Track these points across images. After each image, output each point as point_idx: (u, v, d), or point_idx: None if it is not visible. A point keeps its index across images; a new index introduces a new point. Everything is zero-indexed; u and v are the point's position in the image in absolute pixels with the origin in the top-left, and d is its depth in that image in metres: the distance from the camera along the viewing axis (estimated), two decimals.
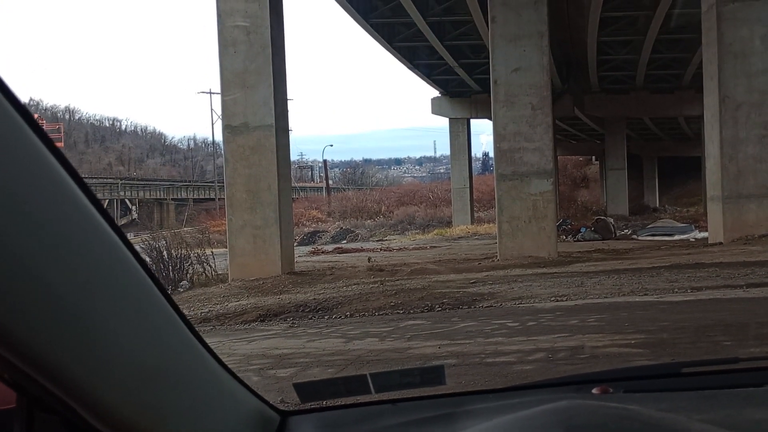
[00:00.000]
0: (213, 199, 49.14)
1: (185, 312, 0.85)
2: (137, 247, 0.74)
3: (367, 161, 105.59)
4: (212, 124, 53.66)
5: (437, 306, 8.24)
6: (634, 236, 21.55)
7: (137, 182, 57.47)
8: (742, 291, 7.95)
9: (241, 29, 12.86)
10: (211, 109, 53.83)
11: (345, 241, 26.73)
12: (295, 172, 55.82)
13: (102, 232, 0.67)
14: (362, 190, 57.81)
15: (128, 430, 0.71)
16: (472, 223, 30.74)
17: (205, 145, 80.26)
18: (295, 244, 16.53)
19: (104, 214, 0.68)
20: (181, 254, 13.39)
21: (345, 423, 1.10)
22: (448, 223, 31.59)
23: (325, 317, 8.17)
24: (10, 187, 0.56)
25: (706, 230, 15.32)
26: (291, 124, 14.37)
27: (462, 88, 31.17)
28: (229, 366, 0.95)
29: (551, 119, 14.05)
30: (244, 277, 12.22)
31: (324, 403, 1.17)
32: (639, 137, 43.96)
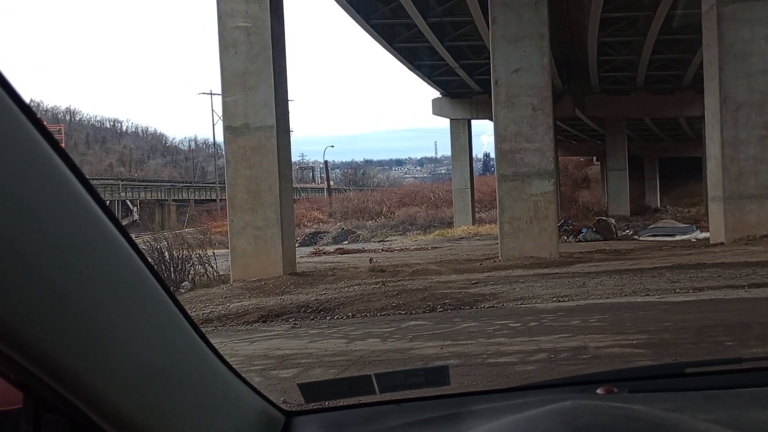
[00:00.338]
0: (214, 200, 49.17)
1: None
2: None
3: (368, 162, 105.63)
4: (213, 125, 53.69)
5: (439, 306, 8.24)
6: (636, 237, 21.54)
7: (138, 183, 57.50)
8: (744, 291, 7.94)
9: (241, 30, 12.87)
10: (212, 110, 53.87)
11: (346, 242, 26.73)
12: (296, 173, 55.79)
13: (107, 231, 0.67)
14: (363, 190, 57.80)
15: (134, 430, 0.71)
16: (473, 223, 30.73)
17: (206, 146, 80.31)
18: (297, 245, 16.53)
19: (109, 214, 0.68)
20: (182, 255, 13.40)
21: (349, 423, 1.10)
22: (450, 224, 31.59)
23: (327, 318, 8.17)
24: (15, 186, 0.56)
25: (708, 231, 15.32)
26: (292, 125, 14.38)
27: (463, 89, 31.17)
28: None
29: (552, 120, 14.05)
30: (245, 278, 12.23)
31: (328, 403, 1.17)
32: (640, 138, 43.94)
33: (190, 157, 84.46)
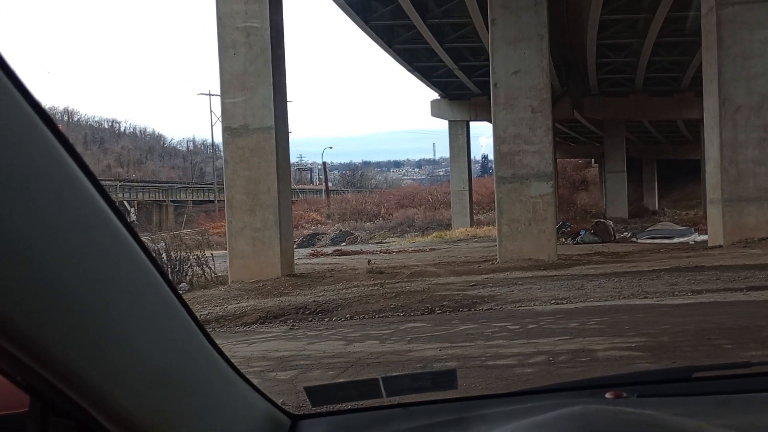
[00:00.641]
0: (212, 201, 49.14)
1: None
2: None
3: (366, 164, 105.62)
4: (212, 126, 53.70)
5: (437, 308, 8.24)
6: (634, 239, 21.55)
7: (136, 184, 57.40)
8: (743, 294, 7.95)
9: (240, 31, 12.87)
10: (211, 111, 53.87)
11: (344, 244, 26.73)
12: (294, 174, 55.76)
13: (117, 233, 0.67)
14: (361, 192, 57.81)
15: None
16: (471, 225, 30.75)
17: (204, 146, 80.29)
18: (295, 246, 16.52)
19: (119, 215, 0.67)
20: (180, 256, 13.38)
21: (356, 427, 1.09)
22: (448, 226, 31.59)
23: (325, 319, 8.16)
24: (27, 188, 0.55)
25: (706, 233, 15.32)
26: (290, 126, 14.37)
27: (461, 91, 31.19)
28: None
29: (551, 122, 14.07)
30: (243, 279, 12.21)
31: (334, 406, 1.16)
32: (638, 140, 44.02)
33: (188, 158, 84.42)
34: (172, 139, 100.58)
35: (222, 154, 14.42)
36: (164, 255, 12.98)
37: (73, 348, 0.60)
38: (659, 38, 21.62)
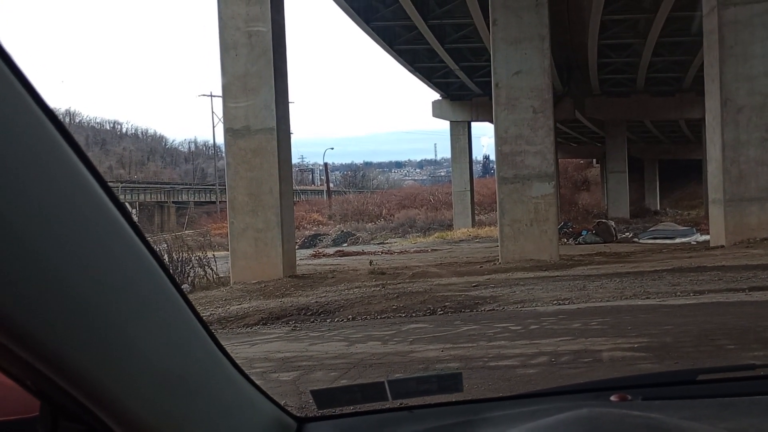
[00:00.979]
0: (214, 202, 49.15)
1: None
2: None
3: (367, 164, 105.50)
4: (213, 127, 53.72)
5: (439, 309, 8.23)
6: (636, 239, 21.54)
7: (138, 185, 57.42)
8: (745, 294, 7.93)
9: (242, 32, 12.88)
10: (212, 112, 53.87)
11: (346, 244, 26.73)
12: (295, 175, 55.77)
13: (125, 235, 0.67)
14: (363, 193, 57.77)
15: None
16: (473, 226, 30.74)
17: (206, 147, 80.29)
18: (296, 247, 16.52)
19: (127, 216, 0.68)
20: (182, 257, 13.40)
21: (361, 430, 1.09)
22: (449, 226, 31.60)
23: (327, 320, 8.16)
24: (36, 189, 0.55)
25: (708, 233, 15.31)
26: (292, 127, 14.38)
27: (463, 91, 31.19)
28: None
29: (552, 122, 14.07)
30: (245, 280, 12.22)
31: (340, 409, 1.16)
32: (640, 140, 43.98)
33: (190, 159, 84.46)
34: (173, 141, 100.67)
35: (224, 155, 14.43)
36: (166, 256, 13.00)
37: (83, 352, 0.61)
38: (661, 38, 21.61)
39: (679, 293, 8.25)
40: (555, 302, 8.22)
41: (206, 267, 13.58)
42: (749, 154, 13.01)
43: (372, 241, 28.07)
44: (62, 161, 0.60)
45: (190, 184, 62.43)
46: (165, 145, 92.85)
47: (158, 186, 57.92)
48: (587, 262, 13.19)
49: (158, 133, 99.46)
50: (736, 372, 1.27)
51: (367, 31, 21.88)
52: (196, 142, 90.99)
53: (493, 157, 15.60)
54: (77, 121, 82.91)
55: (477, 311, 8.03)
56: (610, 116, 32.89)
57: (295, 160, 59.61)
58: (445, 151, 65.11)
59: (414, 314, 8.09)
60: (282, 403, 1.09)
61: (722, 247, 12.93)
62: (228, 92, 13.08)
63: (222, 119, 13.83)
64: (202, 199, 56.12)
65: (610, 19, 20.59)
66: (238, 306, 9.73)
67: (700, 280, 9.15)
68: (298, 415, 1.12)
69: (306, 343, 6.90)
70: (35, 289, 0.55)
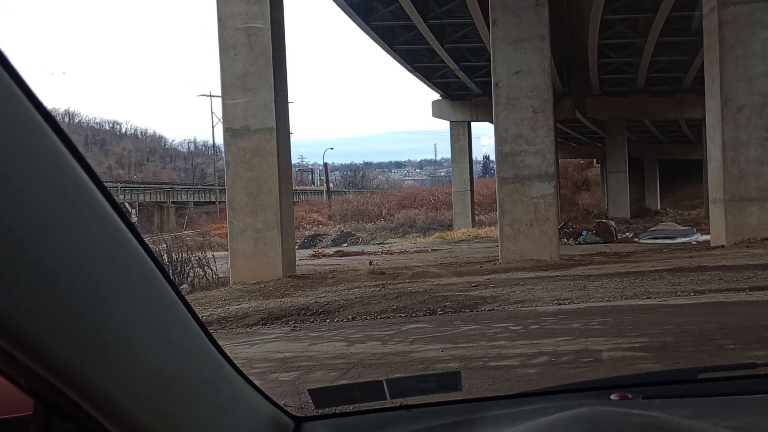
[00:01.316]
0: (213, 202, 49.14)
1: None
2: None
3: (367, 164, 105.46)
4: (212, 127, 53.75)
5: (439, 309, 8.23)
6: (636, 239, 21.54)
7: (137, 185, 57.43)
8: (746, 294, 7.93)
9: (241, 32, 12.87)
10: (212, 112, 53.90)
11: (346, 245, 26.73)
12: (295, 175, 55.78)
13: (121, 236, 0.66)
14: (363, 193, 57.78)
15: None
16: (473, 226, 30.74)
17: (205, 148, 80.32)
18: (296, 247, 16.52)
19: (123, 217, 0.67)
20: (181, 257, 13.39)
21: (360, 429, 1.09)
22: (449, 226, 31.60)
23: (327, 320, 8.16)
24: (32, 191, 0.55)
25: (708, 233, 15.31)
26: (291, 127, 14.37)
27: (463, 91, 31.19)
28: None
29: (553, 122, 14.07)
30: (245, 281, 12.21)
31: (338, 409, 1.16)
32: (640, 140, 43.99)
33: (189, 159, 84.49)
34: (173, 141, 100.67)
35: (223, 155, 14.42)
36: (165, 256, 13.00)
37: (77, 351, 0.60)
38: (661, 38, 21.61)
39: (679, 293, 8.25)
40: (555, 302, 8.22)
41: (206, 267, 13.58)
42: (749, 153, 13.01)
43: (372, 242, 28.07)
44: (58, 162, 0.59)
45: (190, 185, 62.44)
46: (164, 145, 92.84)
47: (157, 186, 57.94)
48: (587, 262, 13.18)
49: (157, 134, 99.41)
50: (737, 371, 1.26)
51: (367, 30, 21.88)
52: (195, 143, 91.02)
53: (493, 157, 15.61)
54: (76, 121, 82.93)
55: (477, 311, 8.03)
56: (610, 116, 32.89)
57: (294, 160, 59.71)
58: (445, 151, 65.14)
59: (414, 314, 8.09)
60: (281, 403, 1.08)
61: (723, 246, 12.93)
62: (227, 92, 13.07)
63: (221, 119, 13.83)
64: (201, 200, 56.11)
65: (610, 18, 20.59)
66: (238, 306, 9.72)
67: (701, 279, 9.14)
68: (297, 414, 1.11)
69: (306, 343, 6.89)
70: (30, 289, 0.55)
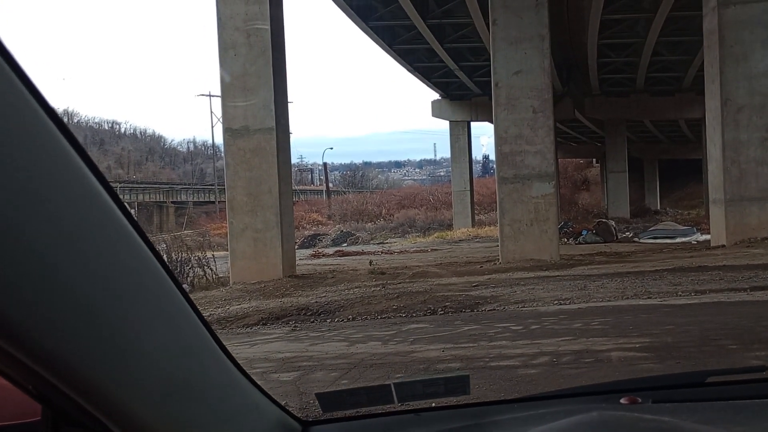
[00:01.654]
0: (213, 202, 49.13)
1: None
2: None
3: (367, 164, 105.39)
4: (212, 127, 53.73)
5: (440, 309, 8.22)
6: (636, 239, 21.54)
7: (136, 185, 57.38)
8: (746, 294, 7.92)
9: (241, 32, 12.86)
10: (211, 112, 53.90)
11: (345, 244, 26.71)
12: (294, 175, 55.77)
13: (129, 238, 0.66)
14: (362, 193, 57.75)
15: None
16: (472, 226, 30.74)
17: (204, 147, 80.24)
18: (296, 247, 16.51)
19: (131, 219, 0.66)
20: (181, 257, 13.38)
21: None
22: (449, 226, 31.59)
23: (327, 320, 8.15)
24: (41, 193, 0.54)
25: (708, 233, 15.31)
26: (291, 127, 14.36)
27: (462, 91, 31.19)
28: None
29: (552, 122, 14.06)
30: (245, 281, 12.20)
31: (345, 412, 1.15)
32: (639, 140, 43.99)
33: (188, 159, 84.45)
34: (172, 140, 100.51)
35: (223, 155, 14.41)
36: (165, 256, 12.98)
37: (87, 357, 0.59)
38: (660, 38, 21.61)
39: (680, 293, 8.24)
40: (556, 302, 8.21)
41: (205, 267, 13.57)
42: (749, 153, 13.00)
43: (371, 241, 28.06)
44: (66, 162, 0.59)
45: (189, 184, 62.42)
46: (164, 145, 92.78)
47: (157, 186, 57.91)
48: (588, 261, 13.18)
49: (157, 133, 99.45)
50: (746, 374, 1.25)
51: (366, 30, 21.86)
52: (194, 142, 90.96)
53: (492, 157, 15.62)
54: (75, 120, 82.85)
55: (478, 311, 8.02)
56: (610, 116, 32.89)
57: (294, 160, 59.49)
58: (444, 151, 65.15)
59: (414, 314, 8.08)
60: (282, 403, 1.07)
61: (723, 246, 12.93)
62: (227, 92, 13.06)
63: (221, 119, 13.81)
64: (201, 199, 56.09)
65: (610, 18, 20.58)
66: (238, 306, 9.71)
67: (701, 279, 9.14)
68: (302, 417, 1.10)
69: (306, 343, 6.88)
70: (39, 293, 0.54)
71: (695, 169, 39.28)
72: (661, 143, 46.47)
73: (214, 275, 13.50)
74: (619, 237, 21.59)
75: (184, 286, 12.42)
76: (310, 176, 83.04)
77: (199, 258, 13.76)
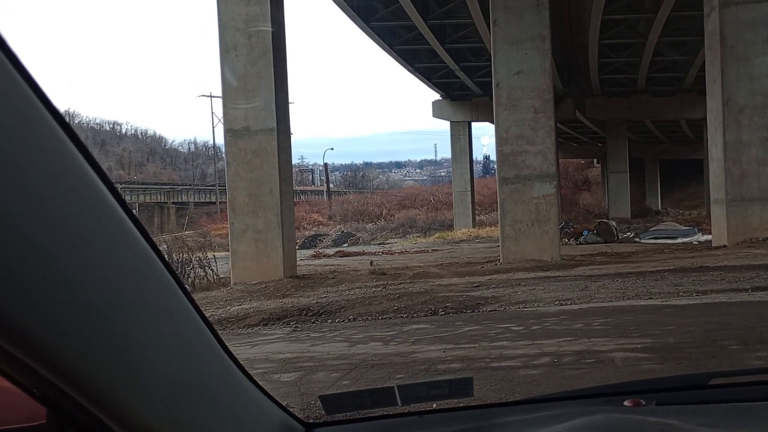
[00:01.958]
0: (214, 203, 49.16)
1: None
2: None
3: (367, 164, 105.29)
4: (213, 128, 53.78)
5: (441, 310, 8.22)
6: (637, 239, 21.53)
7: (138, 186, 57.36)
8: (748, 294, 7.92)
9: (242, 33, 12.87)
10: (212, 113, 53.90)
11: (346, 245, 26.71)
12: (295, 175, 55.73)
13: (134, 240, 0.66)
14: (363, 193, 57.75)
15: None
16: (473, 226, 30.73)
17: (205, 148, 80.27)
18: (297, 247, 16.51)
19: (138, 224, 0.66)
20: (182, 258, 13.37)
21: None
22: (450, 227, 31.59)
23: (328, 321, 8.15)
24: (48, 196, 0.54)
25: (710, 233, 15.30)
26: (292, 128, 14.36)
27: (463, 91, 31.18)
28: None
29: (553, 122, 14.06)
30: (246, 281, 12.21)
31: (348, 415, 1.15)
32: (640, 140, 43.97)
33: (189, 160, 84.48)
34: (173, 141, 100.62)
35: (224, 155, 14.42)
36: (166, 257, 12.98)
37: (91, 358, 0.59)
38: (661, 38, 21.60)
39: (681, 293, 8.24)
40: (557, 303, 8.21)
41: (206, 268, 13.57)
42: (751, 154, 12.99)
43: (372, 242, 28.06)
44: (70, 163, 0.59)
45: (190, 185, 62.43)
46: (165, 145, 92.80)
47: (158, 187, 57.90)
48: (589, 262, 13.17)
49: (158, 134, 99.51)
50: (750, 376, 1.25)
51: (367, 31, 21.87)
52: (195, 143, 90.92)
53: (493, 158, 15.62)
54: (77, 121, 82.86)
55: (478, 312, 8.02)
56: (611, 116, 32.88)
57: (294, 160, 59.53)
58: (445, 152, 65.05)
59: (415, 315, 8.08)
60: (283, 404, 1.07)
61: (724, 247, 12.92)
62: (228, 93, 13.07)
63: (222, 120, 13.82)
64: (202, 200, 56.11)
65: (611, 19, 20.57)
66: (239, 307, 9.71)
67: (703, 280, 9.13)
68: (304, 418, 1.10)
69: (307, 344, 6.88)
70: (44, 295, 0.54)
71: (696, 170, 39.28)
72: (662, 143, 46.45)
73: (215, 276, 13.50)
74: (620, 237, 21.58)
75: (185, 286, 12.52)
76: (310, 177, 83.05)
77: (200, 258, 13.76)
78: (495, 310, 8.04)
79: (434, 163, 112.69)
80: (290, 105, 14.03)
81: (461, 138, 33.00)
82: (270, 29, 12.83)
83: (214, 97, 48.81)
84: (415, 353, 6.01)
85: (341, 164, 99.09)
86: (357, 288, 10.64)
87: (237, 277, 12.65)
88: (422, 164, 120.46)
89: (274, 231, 12.78)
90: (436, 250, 20.89)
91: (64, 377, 0.59)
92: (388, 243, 27.11)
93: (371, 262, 15.02)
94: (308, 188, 67.59)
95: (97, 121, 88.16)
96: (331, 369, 5.66)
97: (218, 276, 13.52)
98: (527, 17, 13.41)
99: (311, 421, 1.12)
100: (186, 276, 13.11)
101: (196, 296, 11.35)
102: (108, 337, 0.61)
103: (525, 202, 13.36)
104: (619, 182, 33.90)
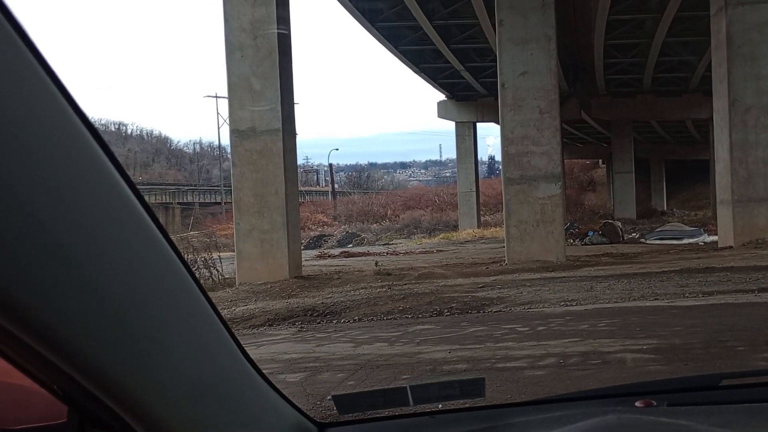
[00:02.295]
0: (219, 203, 49.25)
1: None
2: None
3: (372, 165, 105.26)
4: (218, 128, 53.86)
5: (446, 310, 8.22)
6: (642, 240, 21.47)
7: (143, 186, 57.37)
8: (754, 296, 7.89)
9: (248, 34, 12.89)
10: (218, 113, 54.05)
11: (351, 245, 26.73)
12: (300, 176, 55.79)
13: (155, 240, 0.66)
14: (368, 194, 57.78)
15: None
16: (478, 226, 30.71)
17: (211, 149, 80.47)
18: (302, 248, 16.53)
19: (158, 224, 0.67)
20: (187, 258, 13.40)
21: None
22: (455, 227, 31.57)
23: (334, 321, 8.16)
24: (74, 197, 0.55)
25: (716, 234, 15.25)
26: (297, 128, 14.38)
27: (468, 92, 31.17)
28: None
29: (559, 123, 14.03)
30: (251, 282, 12.22)
31: (361, 414, 1.15)
32: (646, 140, 43.87)
33: (194, 160, 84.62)
34: (178, 142, 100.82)
35: (229, 156, 14.44)
36: None
37: (112, 356, 0.60)
38: (667, 38, 21.54)
39: (687, 294, 8.22)
40: (562, 303, 8.20)
41: (212, 268, 13.60)
42: (757, 154, 12.95)
43: (377, 242, 28.07)
44: (94, 163, 0.59)
45: (195, 185, 62.52)
46: (170, 146, 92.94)
47: (163, 187, 57.96)
48: (594, 263, 13.15)
49: (163, 135, 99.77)
50: (761, 377, 1.25)
51: (372, 32, 21.89)
52: (201, 144, 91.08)
53: (498, 158, 15.60)
54: None
55: (484, 312, 8.02)
56: (617, 116, 32.82)
57: (299, 161, 59.55)
58: (450, 152, 65.09)
59: (420, 315, 8.08)
60: None
61: (730, 247, 12.88)
62: (234, 93, 13.09)
63: (227, 120, 13.84)
64: (207, 201, 56.18)
65: (617, 19, 20.54)
66: (244, 307, 9.73)
67: (709, 281, 9.11)
68: (321, 420, 1.11)
69: (312, 344, 6.89)
70: (67, 293, 0.55)
71: (702, 170, 39.14)
72: (667, 144, 46.31)
73: (220, 276, 13.53)
74: (625, 238, 21.53)
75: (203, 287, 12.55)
76: (315, 177, 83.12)
77: (205, 259, 13.79)
78: (500, 311, 8.04)
79: (439, 164, 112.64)
80: (295, 105, 14.05)
81: (466, 138, 32.98)
82: (276, 30, 12.85)
83: (219, 97, 48.92)
84: (420, 354, 6.01)
85: (346, 165, 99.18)
86: (362, 288, 10.65)
87: (242, 277, 12.67)
88: (427, 165, 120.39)
89: (279, 231, 12.80)
90: (441, 250, 20.89)
91: (86, 375, 0.59)
92: (392, 243, 27.11)
93: (376, 263, 15.02)
94: (313, 189, 67.65)
95: (103, 122, 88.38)
96: (336, 369, 5.66)
97: (223, 276, 13.55)
98: (533, 17, 13.40)
99: (324, 420, 1.13)
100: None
101: None
102: (129, 335, 0.61)
103: (530, 203, 13.35)
104: (625, 183, 33.82)
